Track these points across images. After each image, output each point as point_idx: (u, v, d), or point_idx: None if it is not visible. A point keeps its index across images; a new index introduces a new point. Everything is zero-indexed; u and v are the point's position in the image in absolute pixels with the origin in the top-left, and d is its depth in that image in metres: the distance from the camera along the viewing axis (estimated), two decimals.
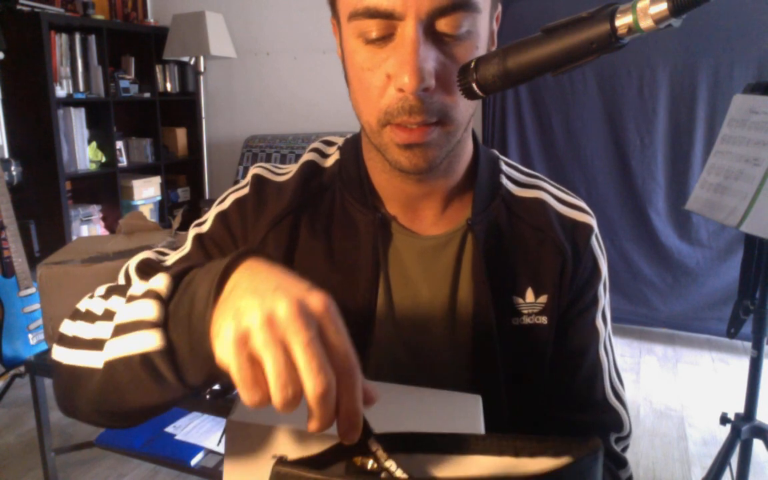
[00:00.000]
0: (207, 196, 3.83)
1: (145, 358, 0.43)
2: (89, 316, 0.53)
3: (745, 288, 1.60)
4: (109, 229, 3.64)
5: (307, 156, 0.74)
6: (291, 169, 0.73)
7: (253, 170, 0.73)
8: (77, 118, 3.38)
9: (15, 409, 2.54)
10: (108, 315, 0.50)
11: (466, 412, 0.57)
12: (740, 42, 2.82)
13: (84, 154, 3.45)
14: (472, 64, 0.51)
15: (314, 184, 0.71)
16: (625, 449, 0.73)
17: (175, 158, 4.14)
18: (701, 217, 2.91)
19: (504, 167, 0.73)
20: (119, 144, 3.70)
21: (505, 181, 0.72)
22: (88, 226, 3.53)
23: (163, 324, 0.44)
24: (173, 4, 3.98)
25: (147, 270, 0.68)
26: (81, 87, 3.41)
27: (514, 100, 3.28)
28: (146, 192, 3.83)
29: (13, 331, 2.40)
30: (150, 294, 0.45)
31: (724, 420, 1.68)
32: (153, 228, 2.01)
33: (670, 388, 2.76)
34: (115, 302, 0.51)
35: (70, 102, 3.32)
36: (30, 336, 2.46)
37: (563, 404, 0.71)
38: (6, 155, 3.17)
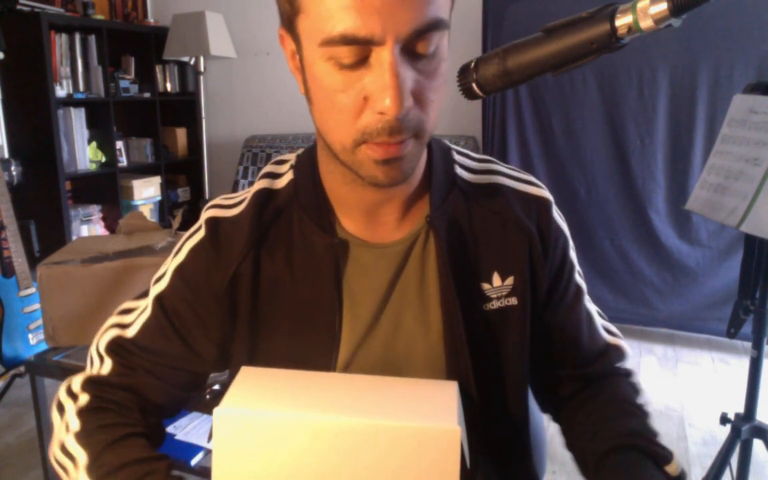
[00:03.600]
0: (207, 196, 3.83)
1: None
2: (66, 454, 0.66)
3: (745, 288, 1.60)
4: (109, 229, 3.64)
5: (258, 183, 0.74)
6: (243, 198, 0.73)
7: (205, 214, 0.72)
8: (77, 118, 3.38)
9: (15, 409, 2.54)
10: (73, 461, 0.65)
11: (442, 397, 0.59)
12: (740, 42, 2.82)
13: (84, 154, 3.45)
14: (472, 64, 0.52)
15: (268, 211, 0.71)
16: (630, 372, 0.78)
17: (175, 158, 4.14)
18: (701, 217, 2.91)
19: (456, 156, 0.75)
20: (119, 144, 3.70)
21: (459, 170, 0.73)
22: (88, 226, 3.53)
23: None
24: (173, 4, 3.98)
25: (118, 351, 0.71)
26: (81, 87, 3.41)
27: (514, 100, 3.27)
28: (146, 192, 3.83)
29: (13, 331, 2.40)
30: None
31: (724, 420, 1.68)
32: (153, 228, 2.00)
33: (670, 388, 2.76)
34: (80, 455, 0.64)
35: (70, 102, 3.32)
36: (30, 336, 2.46)
37: (578, 363, 0.77)
38: (6, 155, 3.17)
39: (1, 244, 2.53)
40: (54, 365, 1.66)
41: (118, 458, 0.62)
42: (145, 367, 0.70)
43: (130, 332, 0.71)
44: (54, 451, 0.66)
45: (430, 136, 0.62)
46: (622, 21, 0.42)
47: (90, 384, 0.69)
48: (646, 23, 0.41)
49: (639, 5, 0.41)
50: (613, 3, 0.44)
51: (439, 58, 0.58)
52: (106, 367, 0.70)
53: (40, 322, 2.39)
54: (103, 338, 0.72)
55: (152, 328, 0.70)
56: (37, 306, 2.48)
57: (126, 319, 0.73)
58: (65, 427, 0.67)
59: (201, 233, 0.71)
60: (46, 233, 3.14)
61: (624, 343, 0.79)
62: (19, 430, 2.41)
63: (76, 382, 0.70)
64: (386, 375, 0.69)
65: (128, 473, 0.61)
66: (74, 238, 3.31)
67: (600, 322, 0.79)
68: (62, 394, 0.70)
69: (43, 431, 1.77)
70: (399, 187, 0.67)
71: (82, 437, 0.65)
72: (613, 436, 0.67)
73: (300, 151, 0.75)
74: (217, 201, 0.74)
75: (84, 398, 0.68)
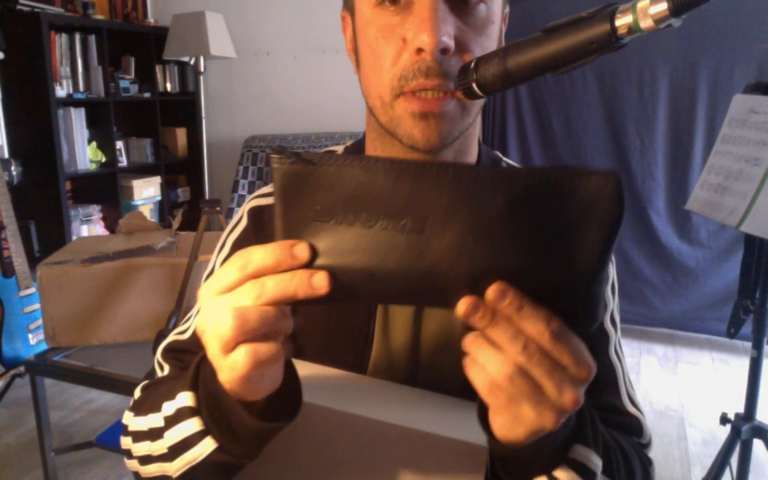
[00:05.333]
0: (207, 196, 3.82)
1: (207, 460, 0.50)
2: (153, 434, 0.58)
3: (745, 288, 1.60)
4: (109, 229, 3.64)
5: None
6: None
7: (247, 205, 0.71)
8: (77, 118, 3.38)
9: (15, 409, 2.54)
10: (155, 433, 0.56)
11: (471, 418, 0.57)
12: (740, 42, 2.82)
13: (84, 154, 3.45)
14: (472, 64, 0.52)
15: None
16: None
17: (175, 158, 4.14)
18: (701, 217, 2.91)
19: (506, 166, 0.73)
20: (119, 144, 3.70)
21: None
22: (88, 226, 3.53)
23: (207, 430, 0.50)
24: (173, 4, 3.98)
25: (174, 354, 0.70)
26: (81, 87, 3.41)
27: (514, 100, 3.28)
28: (146, 192, 3.83)
29: (13, 331, 2.40)
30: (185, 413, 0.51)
31: (724, 420, 1.68)
32: (153, 228, 2.01)
33: (670, 388, 2.76)
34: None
35: (70, 102, 3.32)
36: (30, 336, 2.46)
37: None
38: (6, 155, 3.17)
39: (1, 244, 2.53)
40: (54, 365, 1.67)
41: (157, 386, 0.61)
42: None
43: (187, 334, 0.70)
44: (127, 464, 0.62)
45: (476, 104, 0.59)
46: (622, 21, 0.42)
47: (146, 387, 0.67)
48: (646, 23, 0.41)
49: (639, 5, 0.41)
50: (613, 3, 0.44)
51: (488, 16, 0.57)
52: (165, 371, 0.69)
53: (40, 322, 2.40)
54: (161, 346, 0.71)
55: None
56: (37, 306, 2.48)
57: (183, 326, 0.72)
58: (124, 432, 0.62)
59: (243, 223, 0.70)
60: (46, 233, 3.14)
61: (645, 423, 0.69)
62: (19, 430, 2.41)
63: (137, 390, 0.68)
64: (408, 381, 0.67)
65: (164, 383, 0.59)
66: (74, 238, 3.31)
67: (625, 385, 0.70)
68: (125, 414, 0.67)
69: (43, 431, 1.77)
70: None
71: (140, 410, 0.61)
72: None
73: (349, 143, 0.73)
74: (258, 192, 0.73)
75: (137, 395, 0.66)
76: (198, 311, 0.71)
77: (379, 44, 0.57)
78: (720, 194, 1.48)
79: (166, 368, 0.70)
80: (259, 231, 0.69)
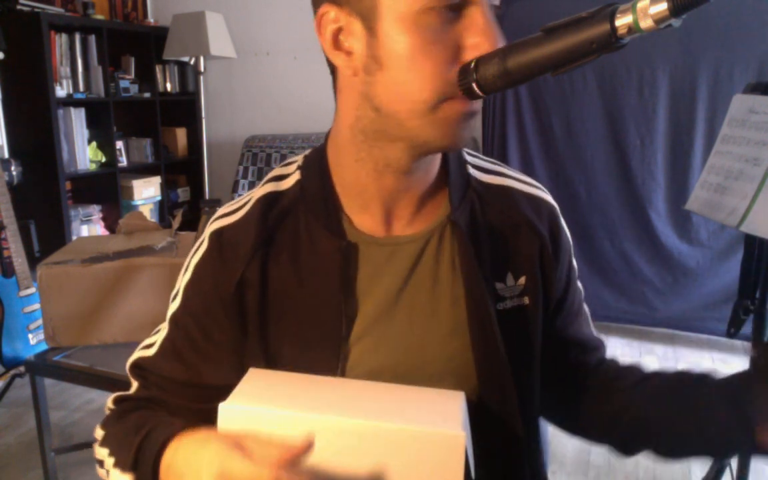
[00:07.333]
0: (207, 196, 3.83)
1: None
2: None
3: (745, 288, 1.60)
4: (109, 229, 3.64)
5: (263, 188, 0.72)
6: (246, 201, 0.72)
7: (209, 228, 0.72)
8: (77, 118, 3.38)
9: (15, 409, 2.54)
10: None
11: (448, 405, 0.59)
12: (740, 42, 2.82)
13: (84, 154, 3.45)
14: (472, 64, 0.52)
15: (273, 214, 0.69)
16: None
17: (175, 158, 4.14)
18: (701, 217, 2.91)
19: (468, 157, 0.76)
20: (119, 144, 3.70)
21: (472, 170, 0.74)
22: (88, 226, 3.53)
23: None
24: (173, 4, 3.98)
25: (139, 372, 0.75)
26: (81, 87, 3.41)
27: (514, 100, 3.27)
28: (146, 192, 3.83)
29: (13, 331, 2.40)
30: None
31: None
32: (153, 228, 2.00)
33: None
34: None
35: (70, 102, 3.32)
36: (30, 336, 2.46)
37: (581, 350, 0.80)
38: (6, 155, 3.17)
39: (1, 244, 2.53)
40: (54, 365, 1.66)
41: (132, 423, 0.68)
42: (160, 385, 0.72)
43: (152, 351, 0.73)
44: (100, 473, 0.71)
45: None
46: (622, 21, 0.42)
47: (116, 401, 0.75)
48: (646, 23, 0.41)
49: (639, 5, 0.41)
50: (613, 3, 0.44)
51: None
52: (132, 387, 0.74)
53: (40, 322, 2.40)
54: (130, 359, 0.75)
55: (168, 347, 0.71)
56: (37, 306, 2.48)
57: (151, 339, 0.75)
58: (96, 442, 0.71)
59: (204, 246, 0.70)
60: (46, 233, 3.14)
61: (604, 340, 0.85)
62: (19, 430, 2.41)
63: (109, 400, 0.75)
64: (399, 378, 0.67)
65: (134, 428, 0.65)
66: (74, 238, 3.31)
67: (587, 312, 0.84)
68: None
69: (43, 431, 1.77)
70: (417, 176, 0.67)
71: (104, 441, 0.70)
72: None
73: (307, 151, 0.74)
74: (219, 212, 0.73)
75: (107, 412, 0.74)
76: (164, 328, 0.73)
77: (432, 49, 0.57)
78: (720, 194, 1.48)
79: (135, 384, 0.74)
80: (219, 252, 0.69)
